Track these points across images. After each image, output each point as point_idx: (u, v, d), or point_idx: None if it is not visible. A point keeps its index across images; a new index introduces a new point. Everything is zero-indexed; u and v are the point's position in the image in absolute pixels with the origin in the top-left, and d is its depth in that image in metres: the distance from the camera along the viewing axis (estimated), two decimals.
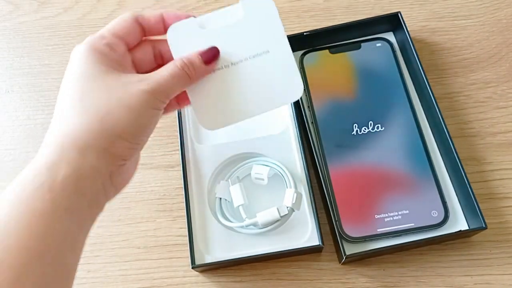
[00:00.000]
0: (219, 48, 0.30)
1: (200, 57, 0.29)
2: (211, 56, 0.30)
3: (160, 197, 0.45)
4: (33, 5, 0.57)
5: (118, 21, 0.30)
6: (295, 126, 0.45)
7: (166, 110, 0.31)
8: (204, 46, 0.30)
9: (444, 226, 0.40)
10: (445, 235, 0.40)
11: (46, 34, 0.55)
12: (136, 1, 0.56)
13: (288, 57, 0.30)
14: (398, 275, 0.41)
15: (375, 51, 0.48)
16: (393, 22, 0.49)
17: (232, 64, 0.30)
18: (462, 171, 0.40)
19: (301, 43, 0.48)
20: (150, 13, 0.30)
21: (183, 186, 0.42)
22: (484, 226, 0.38)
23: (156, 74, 0.28)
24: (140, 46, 0.31)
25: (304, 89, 0.47)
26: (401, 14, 0.48)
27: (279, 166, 0.42)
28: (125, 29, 0.29)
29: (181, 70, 0.28)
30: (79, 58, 0.28)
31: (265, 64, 0.30)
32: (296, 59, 0.48)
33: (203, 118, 0.31)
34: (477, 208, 0.39)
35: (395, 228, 0.40)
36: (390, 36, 0.50)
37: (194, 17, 0.31)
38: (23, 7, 0.57)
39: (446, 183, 0.43)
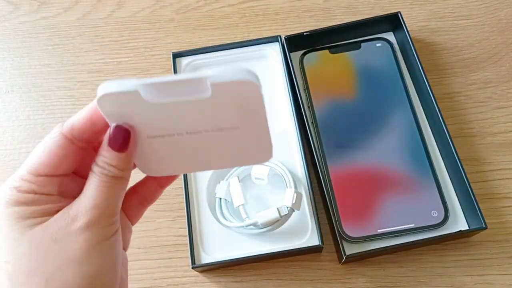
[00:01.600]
0: (169, 116, 0.22)
1: (109, 149, 0.22)
2: (120, 139, 0.21)
3: (160, 197, 0.45)
4: (33, 5, 0.57)
5: (44, 149, 0.22)
6: (295, 126, 0.45)
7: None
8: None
9: (444, 226, 0.40)
10: (445, 235, 0.40)
11: (46, 34, 0.55)
12: (136, 1, 0.56)
13: (261, 131, 0.23)
14: (398, 275, 0.41)
15: (375, 51, 0.48)
16: (393, 22, 0.49)
17: (183, 133, 0.23)
18: (462, 171, 0.40)
19: (301, 43, 0.48)
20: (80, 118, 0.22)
21: (183, 186, 0.42)
22: (484, 226, 0.38)
23: (83, 201, 0.22)
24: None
25: (304, 89, 0.47)
26: (401, 14, 0.48)
27: (279, 166, 0.42)
28: (52, 162, 0.22)
29: (105, 177, 0.22)
30: None
31: (229, 137, 0.23)
32: (296, 59, 0.48)
33: (143, 165, 0.25)
34: (477, 208, 0.39)
35: (395, 228, 0.40)
36: (390, 36, 0.50)
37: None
38: (23, 7, 0.57)
39: (446, 183, 0.43)
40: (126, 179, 0.23)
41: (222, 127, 0.23)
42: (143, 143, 0.23)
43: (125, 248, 0.26)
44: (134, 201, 0.26)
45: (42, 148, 0.22)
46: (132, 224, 0.27)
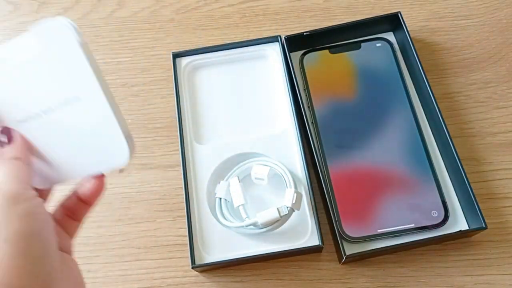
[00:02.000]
0: (17, 93, 0.24)
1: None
2: (5, 136, 0.25)
3: (160, 197, 0.45)
4: (33, 5, 0.57)
5: None
6: (295, 126, 0.45)
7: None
8: None
9: (444, 226, 0.40)
10: (445, 235, 0.40)
11: None
12: (136, 1, 0.56)
13: (103, 109, 0.24)
14: (398, 275, 0.41)
15: (375, 51, 0.48)
16: (393, 22, 0.49)
17: (40, 113, 0.24)
18: (462, 171, 0.40)
19: (301, 43, 0.48)
20: None
21: (183, 186, 0.42)
22: (484, 226, 0.38)
23: None
24: None
25: (304, 89, 0.47)
26: (401, 14, 0.48)
27: (279, 166, 0.42)
28: None
29: (3, 160, 0.24)
30: None
31: (77, 115, 0.24)
32: (296, 59, 0.48)
33: None
34: (477, 208, 0.39)
35: (395, 228, 0.40)
36: (390, 36, 0.50)
37: None
38: (23, 7, 0.57)
39: (446, 183, 0.43)
40: (23, 158, 0.25)
41: (65, 98, 0.24)
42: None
43: (65, 250, 0.27)
44: (59, 212, 0.28)
45: None
46: (70, 236, 0.28)
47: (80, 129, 0.25)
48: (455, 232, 0.40)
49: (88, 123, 0.24)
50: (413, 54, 0.46)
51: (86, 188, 0.27)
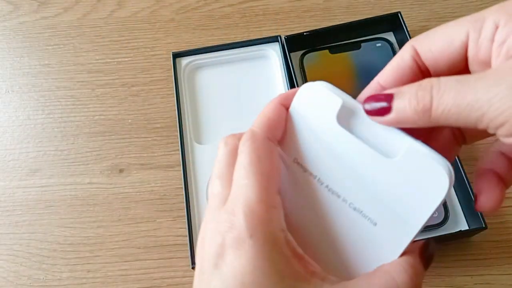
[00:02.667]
0: (334, 164, 0.21)
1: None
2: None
3: (160, 197, 0.45)
4: (33, 5, 0.57)
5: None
6: None
7: None
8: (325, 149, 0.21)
9: (444, 226, 0.40)
10: (445, 235, 0.40)
11: (46, 34, 0.55)
12: (136, 1, 0.56)
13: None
14: None
15: (375, 51, 0.48)
16: (393, 22, 0.49)
17: (327, 187, 0.21)
18: (462, 171, 0.40)
19: (301, 43, 0.48)
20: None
21: (183, 186, 0.43)
22: (484, 226, 0.38)
23: None
24: None
25: None
26: (401, 14, 0.48)
27: None
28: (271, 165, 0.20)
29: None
30: (245, 264, 0.18)
31: (357, 229, 0.21)
32: (296, 59, 0.48)
33: None
34: None
35: None
36: (390, 36, 0.50)
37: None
38: (23, 7, 0.57)
39: None
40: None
41: (368, 213, 0.20)
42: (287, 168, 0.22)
43: None
44: None
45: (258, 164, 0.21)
46: None
47: (347, 242, 0.21)
48: (455, 232, 0.40)
49: (360, 249, 0.21)
50: None
51: None
